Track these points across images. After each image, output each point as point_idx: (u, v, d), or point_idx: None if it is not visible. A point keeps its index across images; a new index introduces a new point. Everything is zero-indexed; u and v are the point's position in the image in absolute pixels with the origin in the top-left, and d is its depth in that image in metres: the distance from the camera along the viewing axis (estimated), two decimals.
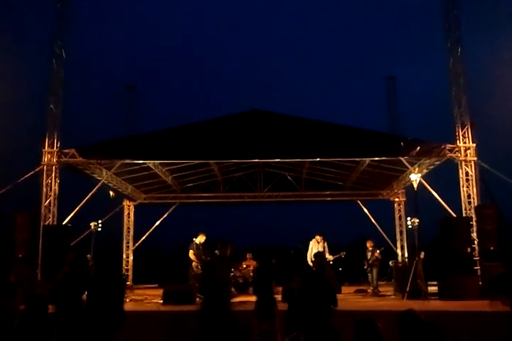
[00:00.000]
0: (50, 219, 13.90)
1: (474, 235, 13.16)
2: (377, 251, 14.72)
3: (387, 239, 18.68)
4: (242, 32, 62.79)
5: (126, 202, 19.70)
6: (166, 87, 57.59)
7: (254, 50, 63.89)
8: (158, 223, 19.86)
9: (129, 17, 60.02)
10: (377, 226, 19.00)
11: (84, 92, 37.72)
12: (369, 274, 14.82)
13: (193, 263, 13.01)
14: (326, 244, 14.27)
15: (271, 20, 66.42)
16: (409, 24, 53.34)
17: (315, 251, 14.06)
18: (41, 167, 14.00)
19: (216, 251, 11.78)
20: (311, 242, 14.57)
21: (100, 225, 13.46)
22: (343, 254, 14.04)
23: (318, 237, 14.42)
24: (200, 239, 13.35)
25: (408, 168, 14.40)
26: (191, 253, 13.07)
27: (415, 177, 13.11)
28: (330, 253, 14.71)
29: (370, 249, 14.87)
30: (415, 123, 30.18)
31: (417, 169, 14.27)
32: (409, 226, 13.25)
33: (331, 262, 14.71)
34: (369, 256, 14.78)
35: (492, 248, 12.43)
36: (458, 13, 14.50)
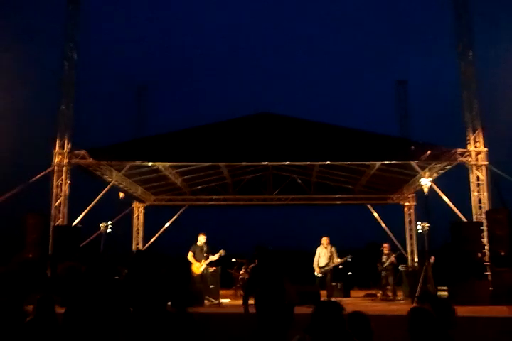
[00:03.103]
0: (60, 220, 13.97)
1: (485, 240, 13.05)
2: (393, 256, 14.61)
3: (397, 243, 18.56)
4: (242, 32, 62.92)
5: (135, 204, 19.75)
6: (166, 88, 57.87)
7: (254, 49, 64.01)
8: (167, 225, 19.92)
9: (134, 19, 60.40)
10: (387, 231, 18.89)
11: (90, 94, 37.91)
12: (383, 278, 14.68)
13: (192, 266, 12.95)
14: (333, 249, 13.95)
15: (271, 20, 66.51)
16: (419, 30, 53.22)
17: (322, 257, 13.76)
18: (52, 168, 14.09)
19: None
20: (318, 248, 13.97)
21: (110, 226, 13.48)
22: (349, 257, 13.85)
23: (324, 240, 13.92)
24: (201, 238, 13.24)
25: (419, 172, 14.31)
26: (190, 256, 13.02)
27: (426, 182, 13.00)
28: (337, 257, 14.48)
29: (386, 252, 14.74)
30: (425, 128, 30.04)
31: (427, 173, 14.20)
32: (420, 231, 13.13)
33: (340, 266, 14.55)
34: (384, 260, 14.66)
35: (503, 253, 12.33)
36: (469, 17, 14.44)
